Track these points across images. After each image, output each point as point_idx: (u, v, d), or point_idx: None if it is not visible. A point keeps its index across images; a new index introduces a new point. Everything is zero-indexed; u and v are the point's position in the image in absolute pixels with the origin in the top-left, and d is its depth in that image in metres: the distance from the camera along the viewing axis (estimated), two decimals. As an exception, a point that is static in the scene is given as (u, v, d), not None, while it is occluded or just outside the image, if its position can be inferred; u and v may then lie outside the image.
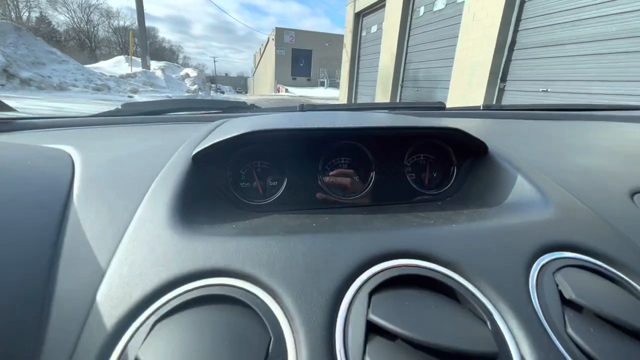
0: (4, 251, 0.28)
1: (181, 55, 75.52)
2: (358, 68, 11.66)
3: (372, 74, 10.22)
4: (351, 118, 0.56)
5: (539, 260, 0.32)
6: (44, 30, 37.10)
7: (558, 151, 0.57)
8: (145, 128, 0.67)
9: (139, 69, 12.60)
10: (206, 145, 0.44)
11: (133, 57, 14.17)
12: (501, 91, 5.14)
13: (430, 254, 0.31)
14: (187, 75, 14.73)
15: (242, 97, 18.34)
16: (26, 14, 36.21)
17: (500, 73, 5.10)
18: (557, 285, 0.30)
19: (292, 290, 0.28)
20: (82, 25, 43.70)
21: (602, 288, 0.30)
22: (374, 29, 10.13)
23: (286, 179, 0.49)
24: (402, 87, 8.55)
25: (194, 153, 0.44)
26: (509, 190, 0.44)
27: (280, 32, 28.89)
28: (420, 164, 0.54)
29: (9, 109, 0.73)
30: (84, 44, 43.63)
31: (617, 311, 0.27)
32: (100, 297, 0.28)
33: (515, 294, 0.29)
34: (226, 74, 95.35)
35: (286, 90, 24.47)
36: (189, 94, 12.24)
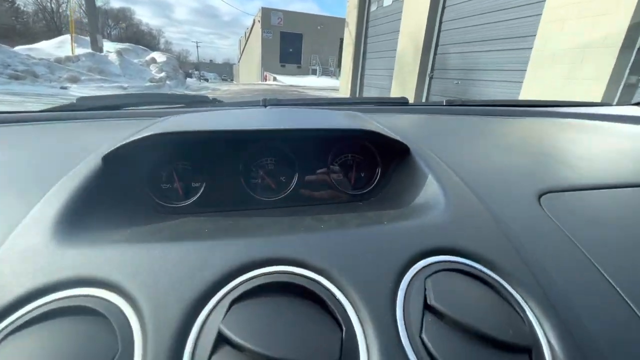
0: None
1: (162, 40, 71.47)
2: (365, 53, 9.34)
3: (384, 60, 7.98)
4: (298, 116, 0.58)
5: (416, 264, 0.31)
6: (2, 9, 32.96)
7: (485, 150, 0.57)
8: (92, 124, 0.63)
9: (88, 50, 9.96)
10: (116, 146, 0.41)
11: (81, 37, 11.36)
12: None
13: (304, 261, 0.30)
14: (154, 61, 12.10)
15: (223, 87, 15.77)
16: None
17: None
18: (425, 290, 0.29)
19: (153, 300, 0.27)
20: (46, 4, 39.39)
21: (472, 292, 0.29)
22: (387, 1, 7.84)
23: (205, 181, 0.48)
24: (430, 78, 6.39)
25: (104, 154, 0.41)
26: (420, 192, 0.43)
27: (267, 13, 25.84)
28: (348, 163, 0.52)
29: None
30: (50, 25, 39.35)
31: (475, 317, 0.27)
32: None
33: (380, 300, 0.28)
34: (211, 61, 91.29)
35: (274, 79, 21.93)
36: (152, 84, 9.73)
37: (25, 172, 0.42)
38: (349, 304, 0.28)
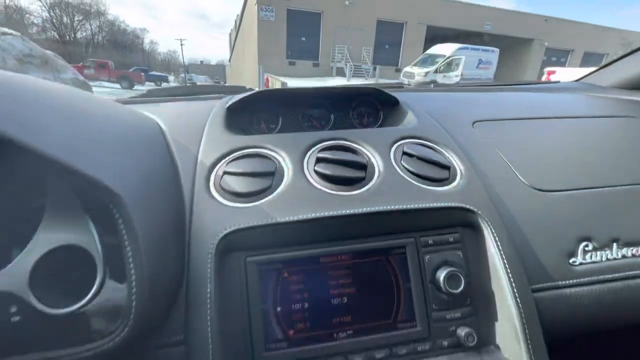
0: (163, 187, 0.44)
1: (147, 40, 62.62)
2: None
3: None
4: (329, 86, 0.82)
5: (398, 143, 0.58)
6: None
7: (444, 103, 0.80)
8: (175, 103, 0.77)
9: None
10: (235, 100, 0.64)
11: None
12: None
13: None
14: None
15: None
16: None
17: None
18: (403, 149, 0.56)
19: (286, 154, 0.53)
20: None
21: (426, 150, 0.57)
22: None
23: (281, 118, 0.73)
24: None
25: (227, 105, 0.63)
26: (403, 120, 0.68)
27: (265, -17, 16.59)
28: (362, 112, 0.77)
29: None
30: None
31: (423, 153, 0.55)
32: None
33: (384, 153, 0.55)
34: (201, 62, 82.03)
35: (282, 85, 12.44)
36: None
37: (181, 123, 0.60)
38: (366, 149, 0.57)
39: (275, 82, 13.11)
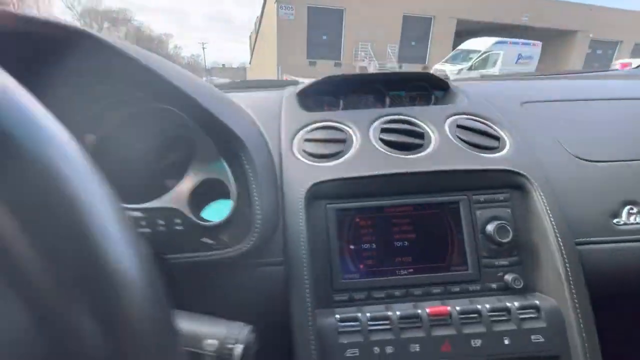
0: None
1: (171, 45, 64.36)
2: None
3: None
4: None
5: (451, 118, 0.62)
6: None
7: (497, 88, 0.84)
8: (240, 93, 0.83)
9: None
10: (304, 86, 0.71)
11: None
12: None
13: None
14: None
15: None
16: None
17: None
18: (457, 122, 0.61)
19: (353, 123, 0.61)
20: None
21: (477, 123, 0.61)
22: None
23: (342, 101, 0.76)
24: None
25: (297, 91, 0.70)
26: (455, 101, 0.70)
27: (285, -20, 15.93)
28: (414, 96, 0.78)
29: None
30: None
31: (475, 125, 0.60)
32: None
33: (439, 125, 0.60)
34: (223, 65, 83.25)
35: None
36: None
37: (262, 105, 0.67)
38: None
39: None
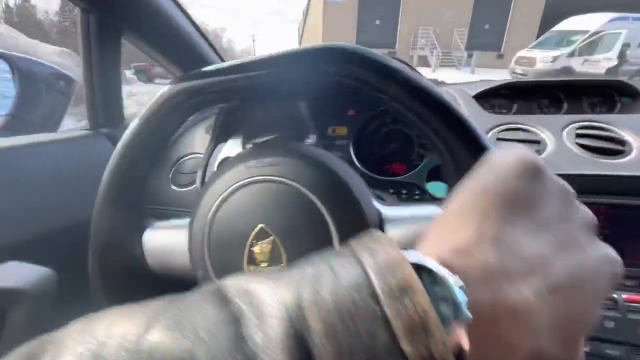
0: None
1: (224, 39, 66.22)
2: None
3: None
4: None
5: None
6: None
7: None
8: None
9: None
10: (480, 89, 0.75)
11: None
12: None
13: None
14: None
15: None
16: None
17: None
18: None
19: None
20: None
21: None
22: None
23: (515, 105, 0.80)
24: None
25: (474, 93, 0.75)
26: None
27: (335, -42, 13.88)
28: (595, 102, 0.77)
29: None
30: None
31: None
32: None
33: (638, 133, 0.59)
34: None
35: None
36: None
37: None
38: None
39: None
